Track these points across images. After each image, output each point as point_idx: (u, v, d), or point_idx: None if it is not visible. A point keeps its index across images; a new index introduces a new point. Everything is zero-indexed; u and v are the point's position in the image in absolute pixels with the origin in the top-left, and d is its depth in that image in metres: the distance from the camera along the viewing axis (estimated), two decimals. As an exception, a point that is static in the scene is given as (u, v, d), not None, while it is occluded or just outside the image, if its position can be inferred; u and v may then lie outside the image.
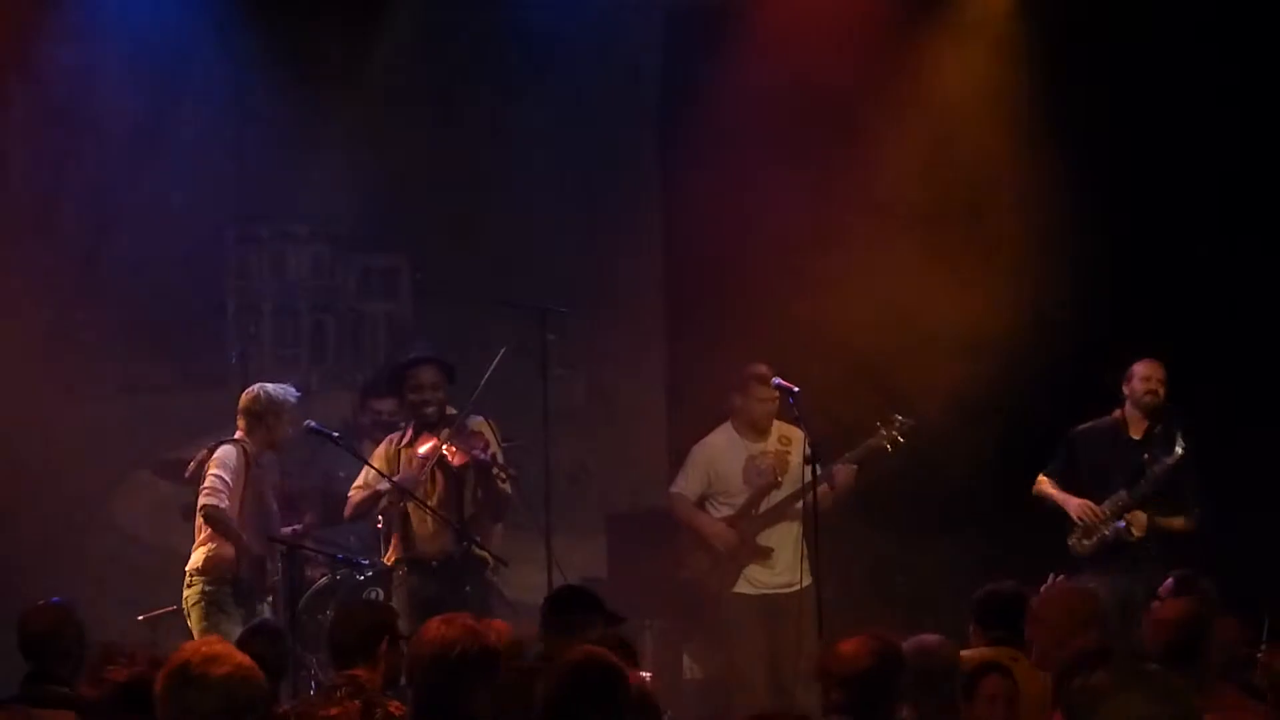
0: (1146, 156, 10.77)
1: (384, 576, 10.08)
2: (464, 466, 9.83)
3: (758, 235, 11.18)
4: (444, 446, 9.84)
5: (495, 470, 9.85)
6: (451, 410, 10.02)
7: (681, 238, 11.79)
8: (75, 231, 11.36)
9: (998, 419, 10.72)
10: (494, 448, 9.94)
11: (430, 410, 9.94)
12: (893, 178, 11.00)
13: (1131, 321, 10.60)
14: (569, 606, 7.07)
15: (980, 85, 11.15)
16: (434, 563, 9.88)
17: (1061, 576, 7.87)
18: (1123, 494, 9.84)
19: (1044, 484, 10.13)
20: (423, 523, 9.95)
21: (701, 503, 10.51)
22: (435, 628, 5.91)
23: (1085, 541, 9.86)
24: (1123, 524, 9.79)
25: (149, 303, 11.35)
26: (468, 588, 9.74)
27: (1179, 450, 9.78)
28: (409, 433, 10.06)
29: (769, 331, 10.81)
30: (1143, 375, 9.97)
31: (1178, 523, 9.83)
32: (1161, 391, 9.93)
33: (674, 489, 10.65)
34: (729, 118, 11.24)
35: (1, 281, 10.83)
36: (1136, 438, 9.97)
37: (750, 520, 10.39)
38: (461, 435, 9.94)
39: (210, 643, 5.14)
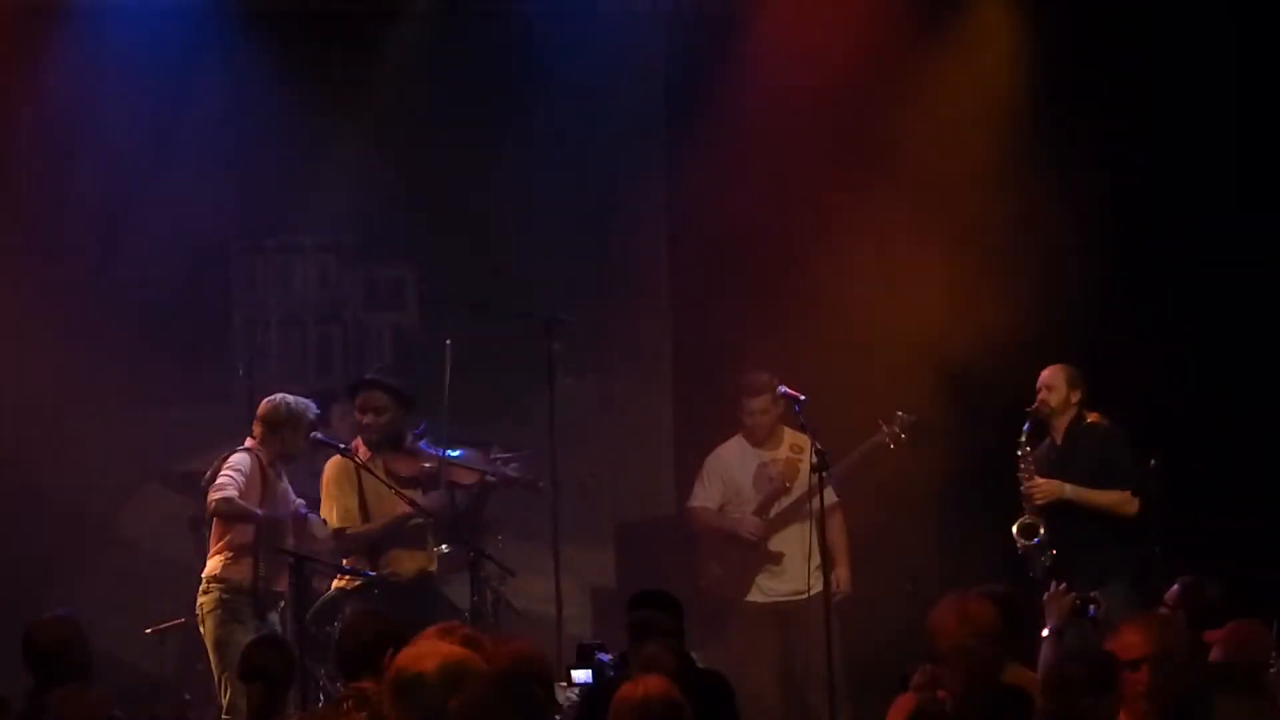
0: (1153, 168, 10.75)
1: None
2: (478, 485, 9.92)
3: (765, 240, 11.17)
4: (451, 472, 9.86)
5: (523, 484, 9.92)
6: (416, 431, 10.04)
7: (689, 244, 11.77)
8: (82, 246, 11.37)
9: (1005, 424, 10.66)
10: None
11: (372, 436, 9.94)
12: (899, 179, 10.97)
13: (1136, 326, 10.58)
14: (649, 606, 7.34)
15: (985, 90, 11.12)
16: (408, 581, 9.85)
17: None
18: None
19: None
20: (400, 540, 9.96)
21: (720, 511, 10.55)
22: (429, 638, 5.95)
23: (1023, 540, 9.66)
24: (1035, 540, 9.58)
25: (155, 316, 11.37)
26: (475, 596, 9.74)
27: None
28: (359, 448, 9.99)
29: (778, 336, 10.79)
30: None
31: (1107, 497, 9.63)
32: (1048, 397, 9.73)
33: (693, 502, 10.68)
34: (735, 122, 11.22)
35: (9, 296, 10.85)
36: (1059, 443, 9.84)
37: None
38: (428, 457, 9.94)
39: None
